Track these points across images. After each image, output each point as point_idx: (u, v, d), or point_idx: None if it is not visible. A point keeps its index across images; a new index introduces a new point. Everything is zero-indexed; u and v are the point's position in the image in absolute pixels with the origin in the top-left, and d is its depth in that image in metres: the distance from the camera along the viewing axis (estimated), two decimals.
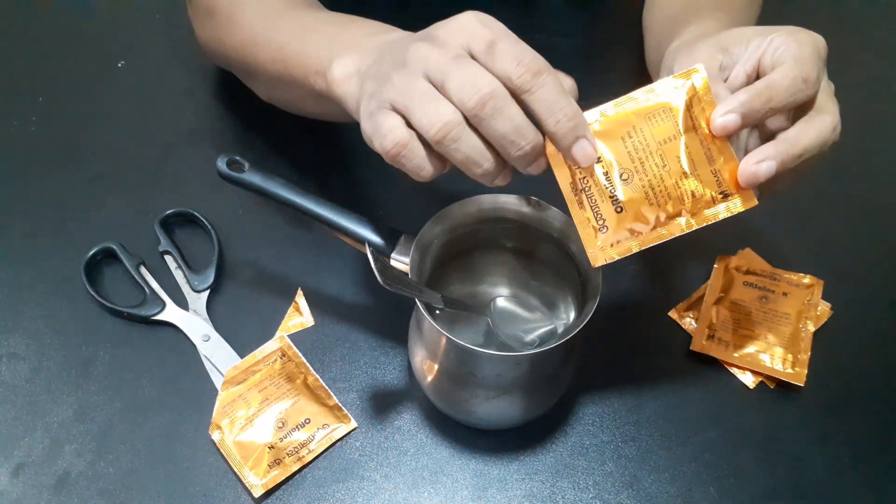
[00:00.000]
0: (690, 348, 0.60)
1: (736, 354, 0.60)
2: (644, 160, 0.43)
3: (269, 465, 0.54)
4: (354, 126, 0.46)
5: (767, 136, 0.45)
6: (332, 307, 0.62)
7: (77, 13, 0.83)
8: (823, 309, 0.63)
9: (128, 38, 0.80)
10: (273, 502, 0.54)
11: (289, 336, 0.60)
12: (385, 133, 0.41)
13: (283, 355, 0.59)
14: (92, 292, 0.61)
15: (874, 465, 0.56)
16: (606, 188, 0.43)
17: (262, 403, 0.57)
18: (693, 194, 0.44)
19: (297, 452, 0.55)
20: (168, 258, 0.64)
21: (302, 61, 0.52)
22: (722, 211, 0.44)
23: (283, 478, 0.54)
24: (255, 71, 0.61)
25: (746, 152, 0.44)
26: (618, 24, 0.80)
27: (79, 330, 0.61)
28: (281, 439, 0.55)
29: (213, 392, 0.57)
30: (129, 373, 0.59)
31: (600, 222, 0.44)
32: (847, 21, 0.87)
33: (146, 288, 0.62)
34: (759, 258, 0.65)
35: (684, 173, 0.43)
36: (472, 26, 0.40)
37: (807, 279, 0.63)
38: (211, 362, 0.59)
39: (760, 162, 0.43)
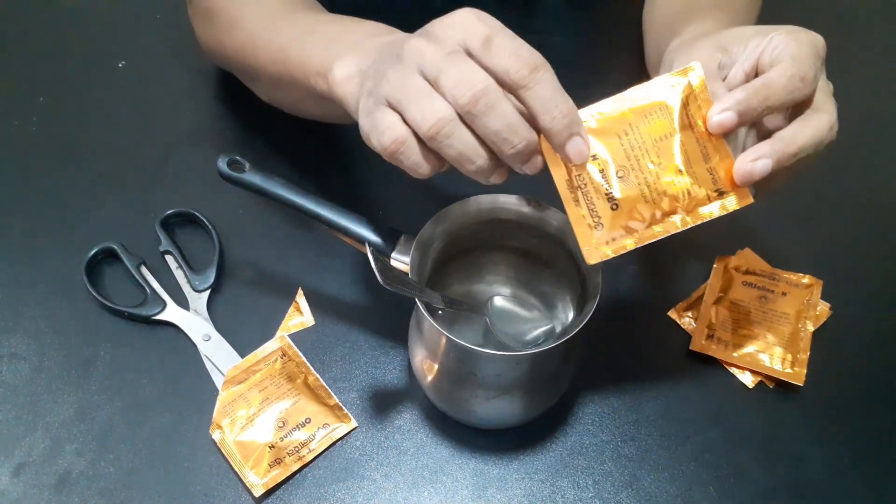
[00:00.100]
0: (690, 348, 0.61)
1: (735, 354, 0.60)
2: (640, 158, 0.43)
3: (269, 465, 0.54)
4: (354, 127, 0.46)
5: (765, 135, 0.45)
6: (332, 307, 0.62)
7: (77, 13, 0.83)
8: (823, 309, 0.63)
9: (128, 38, 0.81)
10: (273, 502, 0.54)
11: (289, 336, 0.60)
12: (383, 130, 0.41)
13: (284, 355, 0.59)
14: (92, 292, 0.61)
15: (874, 465, 0.57)
16: (602, 186, 0.43)
17: (263, 403, 0.57)
18: (689, 192, 0.44)
19: (297, 452, 0.55)
20: (169, 258, 0.64)
21: (303, 63, 0.52)
22: (717, 209, 0.44)
23: (284, 477, 0.54)
24: (255, 72, 0.61)
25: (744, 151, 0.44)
26: (618, 24, 0.80)
27: (79, 330, 0.61)
28: (281, 439, 0.55)
29: (214, 392, 0.57)
30: (130, 373, 0.59)
31: (596, 220, 0.44)
32: (847, 21, 0.87)
33: (147, 288, 0.62)
34: (758, 258, 0.65)
35: (680, 171, 0.43)
36: (469, 22, 0.40)
37: (806, 279, 0.63)
38: (211, 362, 0.59)
39: (756, 160, 0.43)
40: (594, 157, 0.43)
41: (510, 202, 0.52)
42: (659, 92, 0.43)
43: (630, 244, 0.44)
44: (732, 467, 0.56)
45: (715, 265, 0.64)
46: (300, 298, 0.63)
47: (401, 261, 0.51)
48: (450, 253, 0.55)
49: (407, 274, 0.50)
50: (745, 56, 0.46)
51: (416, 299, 0.48)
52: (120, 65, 0.78)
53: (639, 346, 0.62)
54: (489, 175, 0.42)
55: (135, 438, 0.56)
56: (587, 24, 0.83)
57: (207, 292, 0.62)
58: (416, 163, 0.42)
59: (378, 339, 0.61)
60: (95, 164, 0.71)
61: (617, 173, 0.43)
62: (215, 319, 0.61)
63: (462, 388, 0.52)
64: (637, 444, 0.57)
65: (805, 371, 0.59)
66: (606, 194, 0.43)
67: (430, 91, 0.40)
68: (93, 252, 0.63)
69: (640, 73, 0.69)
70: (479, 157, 0.41)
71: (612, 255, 0.44)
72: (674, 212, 0.44)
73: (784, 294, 0.63)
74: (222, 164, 0.51)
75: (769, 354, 0.60)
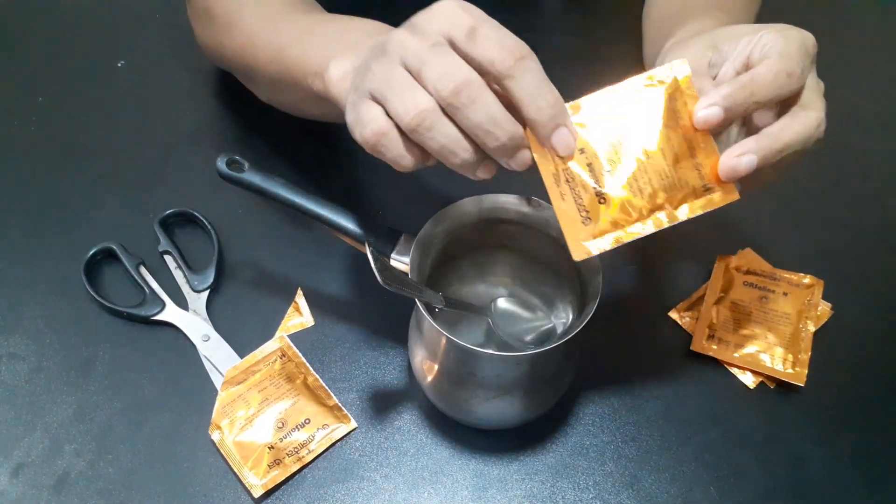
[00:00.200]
0: (690, 348, 0.60)
1: (736, 354, 0.60)
2: (628, 152, 0.43)
3: (268, 466, 0.54)
4: None
5: (754, 133, 0.45)
6: (332, 307, 0.62)
7: (77, 13, 0.83)
8: (824, 309, 0.63)
9: (128, 38, 0.80)
10: (273, 502, 0.54)
11: (289, 336, 0.60)
12: (365, 123, 0.41)
13: (283, 355, 0.59)
14: (92, 292, 0.61)
15: (874, 465, 0.56)
16: (590, 180, 0.43)
17: (262, 403, 0.57)
18: (675, 188, 0.43)
19: (296, 452, 0.55)
20: (168, 258, 0.64)
21: (300, 63, 0.52)
22: (703, 205, 0.44)
23: (283, 478, 0.54)
24: (254, 73, 0.61)
25: None
26: (618, 24, 0.79)
27: (79, 330, 0.61)
28: (281, 439, 0.55)
29: (213, 392, 0.57)
30: (129, 373, 0.59)
31: (583, 214, 0.43)
32: (847, 21, 0.87)
33: (146, 288, 0.62)
34: (759, 258, 0.65)
35: (667, 166, 0.43)
36: (453, 13, 0.40)
37: (807, 279, 0.63)
38: (211, 362, 0.59)
39: (741, 156, 0.42)
40: (581, 151, 0.43)
41: (510, 202, 0.52)
42: (645, 87, 0.43)
43: (618, 240, 0.44)
44: (733, 467, 0.56)
45: (716, 265, 0.64)
46: (300, 299, 0.62)
47: (401, 261, 0.51)
48: (450, 253, 0.54)
49: (407, 274, 0.50)
50: (735, 54, 0.46)
51: (416, 299, 0.48)
52: (120, 65, 0.78)
53: (639, 346, 0.62)
54: (475, 169, 0.41)
55: (134, 439, 0.56)
56: (587, 24, 0.83)
57: (206, 292, 0.62)
58: (399, 155, 0.41)
59: (378, 340, 0.61)
60: (95, 164, 0.70)
61: (604, 168, 0.43)
62: (214, 320, 0.61)
63: (462, 388, 0.52)
64: (637, 444, 0.57)
65: (806, 371, 0.59)
66: (594, 188, 0.43)
67: (412, 83, 0.40)
68: (92, 252, 0.63)
69: (639, 73, 0.68)
70: (463, 150, 0.40)
71: (599, 252, 0.44)
72: (661, 207, 0.44)
73: (785, 294, 0.63)
74: (221, 163, 0.51)
75: (770, 355, 0.60)
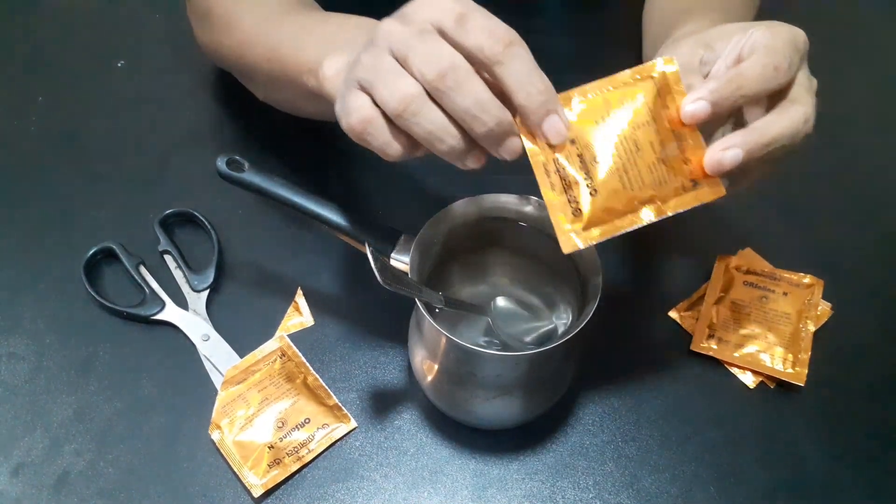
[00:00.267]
0: (691, 348, 0.60)
1: (736, 354, 0.60)
2: (618, 145, 0.42)
3: (268, 465, 0.54)
4: None
5: None
6: (332, 307, 0.62)
7: (77, 13, 0.83)
8: (824, 309, 0.63)
9: (128, 38, 0.80)
10: (273, 502, 0.54)
11: (288, 336, 0.60)
12: (351, 111, 0.41)
13: (283, 355, 0.59)
14: (92, 292, 0.61)
15: (874, 465, 0.56)
16: (580, 171, 0.42)
17: (262, 403, 0.57)
18: (663, 182, 0.43)
19: (296, 452, 0.55)
20: (168, 258, 0.64)
21: (296, 60, 0.52)
22: (691, 200, 0.44)
23: (283, 478, 0.54)
24: (251, 72, 0.61)
25: None
26: (618, 24, 0.79)
27: (79, 330, 0.61)
28: (281, 439, 0.55)
29: (213, 392, 0.57)
30: (129, 373, 0.59)
31: (573, 206, 0.43)
32: (848, 21, 0.87)
33: (146, 288, 0.62)
34: (759, 258, 0.65)
35: (655, 160, 0.43)
36: (442, 1, 0.39)
37: (807, 279, 0.63)
38: (211, 362, 0.59)
39: (726, 149, 0.42)
40: (572, 142, 0.42)
41: (510, 202, 0.52)
42: (635, 81, 0.43)
43: (606, 233, 0.43)
44: (733, 467, 0.56)
45: (716, 265, 0.64)
46: (299, 298, 0.62)
47: (401, 261, 0.51)
48: (450, 253, 0.54)
49: (407, 274, 0.50)
50: (727, 52, 0.45)
51: (416, 299, 0.48)
52: (119, 64, 0.78)
53: (639, 346, 0.62)
54: (464, 157, 0.41)
55: (134, 438, 0.56)
56: (587, 26, 0.83)
57: (206, 292, 0.62)
58: (385, 143, 0.41)
59: (378, 339, 0.61)
60: (94, 164, 0.70)
61: (595, 159, 0.42)
62: (214, 319, 0.61)
63: (462, 388, 0.52)
64: (637, 444, 0.57)
65: (806, 371, 0.59)
66: (584, 180, 0.42)
67: (398, 69, 0.39)
68: (92, 252, 0.63)
69: None
70: (450, 137, 0.40)
71: (587, 245, 0.43)
72: (649, 201, 0.43)
73: (785, 294, 0.63)
74: (221, 163, 0.51)
75: (770, 354, 0.60)
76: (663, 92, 0.43)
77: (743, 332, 0.61)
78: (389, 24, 0.40)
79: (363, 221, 0.52)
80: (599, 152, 0.42)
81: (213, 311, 0.62)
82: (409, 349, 0.56)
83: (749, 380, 0.60)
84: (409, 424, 0.57)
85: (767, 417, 0.58)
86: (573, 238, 0.43)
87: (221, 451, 0.55)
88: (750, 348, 0.60)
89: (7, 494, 0.53)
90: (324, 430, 0.56)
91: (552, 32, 0.81)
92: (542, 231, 0.52)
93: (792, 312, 0.62)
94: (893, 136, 0.76)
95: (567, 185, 0.42)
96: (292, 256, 0.65)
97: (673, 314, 0.63)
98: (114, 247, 0.63)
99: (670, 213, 0.44)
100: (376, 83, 0.40)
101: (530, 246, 0.56)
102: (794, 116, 0.43)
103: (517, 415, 0.54)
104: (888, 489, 0.56)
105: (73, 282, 0.62)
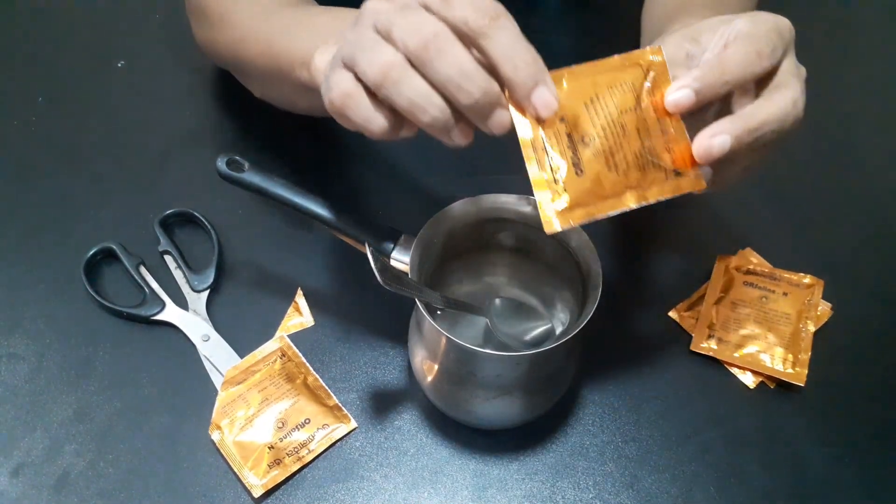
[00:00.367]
0: (691, 348, 0.60)
1: (736, 354, 0.60)
2: (605, 127, 0.42)
3: (268, 465, 0.54)
4: None
5: None
6: (332, 307, 0.62)
7: (76, 13, 0.83)
8: (824, 309, 0.63)
9: (128, 38, 0.80)
10: (273, 502, 0.54)
11: (289, 336, 0.60)
12: (332, 86, 0.40)
13: (283, 355, 0.59)
14: (92, 292, 0.61)
15: (874, 465, 0.56)
16: (568, 149, 0.42)
17: (262, 403, 0.57)
18: (647, 168, 0.43)
19: (296, 452, 0.55)
20: (168, 258, 0.64)
21: (288, 54, 0.52)
22: (672, 189, 0.43)
23: (283, 478, 0.54)
24: (246, 67, 0.61)
25: None
26: (618, 24, 0.79)
27: (79, 330, 0.61)
28: (281, 439, 0.55)
29: (213, 392, 0.57)
30: (129, 373, 0.59)
31: (559, 184, 0.42)
32: (847, 20, 0.87)
33: (146, 288, 0.62)
34: (759, 258, 0.65)
35: (641, 146, 0.43)
36: None
37: (807, 279, 0.63)
38: (211, 362, 0.59)
39: (715, 136, 0.42)
40: (562, 120, 0.41)
41: (510, 202, 0.52)
42: (623, 67, 0.43)
43: (589, 214, 0.42)
44: (733, 468, 0.56)
45: (716, 265, 0.64)
46: (299, 298, 0.62)
47: (401, 261, 0.51)
48: (450, 253, 0.54)
49: (407, 274, 0.50)
50: (713, 44, 0.45)
51: (416, 299, 0.48)
52: (119, 64, 0.78)
53: (639, 346, 0.62)
54: (450, 131, 0.40)
55: (134, 439, 0.56)
56: (587, 25, 0.83)
57: (206, 292, 0.62)
58: (367, 118, 0.40)
59: (378, 340, 0.61)
60: (95, 164, 0.70)
61: (583, 139, 0.42)
62: (214, 320, 0.61)
63: (462, 388, 0.52)
64: (638, 444, 0.57)
65: (806, 371, 0.59)
66: (572, 159, 0.42)
67: (380, 41, 0.39)
68: (92, 252, 0.63)
69: None
70: (433, 107, 0.38)
71: (569, 226, 0.42)
72: (633, 187, 0.43)
73: (785, 294, 0.63)
74: (221, 163, 0.51)
75: (770, 355, 0.60)
76: (650, 80, 0.43)
77: (743, 332, 0.61)
78: (375, 3, 0.40)
79: (363, 221, 0.52)
80: (588, 133, 0.42)
81: (213, 311, 0.62)
82: (409, 349, 0.56)
83: (749, 380, 0.60)
84: (409, 425, 0.57)
85: (767, 417, 0.58)
86: (554, 219, 0.42)
87: (221, 451, 0.55)
88: (750, 348, 0.60)
89: (7, 495, 0.53)
90: (324, 430, 0.56)
91: (551, 31, 0.81)
92: (542, 231, 0.52)
93: (792, 312, 0.62)
94: (893, 136, 0.76)
95: (553, 163, 0.42)
96: (292, 256, 0.65)
97: (673, 314, 0.63)
98: (114, 247, 0.63)
99: (652, 201, 0.43)
100: (357, 56, 0.39)
101: (530, 246, 0.56)
102: (781, 100, 0.43)
103: (517, 415, 0.54)
104: (888, 489, 0.56)
105: (73, 282, 0.62)
